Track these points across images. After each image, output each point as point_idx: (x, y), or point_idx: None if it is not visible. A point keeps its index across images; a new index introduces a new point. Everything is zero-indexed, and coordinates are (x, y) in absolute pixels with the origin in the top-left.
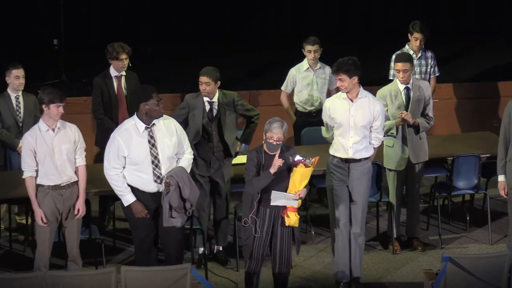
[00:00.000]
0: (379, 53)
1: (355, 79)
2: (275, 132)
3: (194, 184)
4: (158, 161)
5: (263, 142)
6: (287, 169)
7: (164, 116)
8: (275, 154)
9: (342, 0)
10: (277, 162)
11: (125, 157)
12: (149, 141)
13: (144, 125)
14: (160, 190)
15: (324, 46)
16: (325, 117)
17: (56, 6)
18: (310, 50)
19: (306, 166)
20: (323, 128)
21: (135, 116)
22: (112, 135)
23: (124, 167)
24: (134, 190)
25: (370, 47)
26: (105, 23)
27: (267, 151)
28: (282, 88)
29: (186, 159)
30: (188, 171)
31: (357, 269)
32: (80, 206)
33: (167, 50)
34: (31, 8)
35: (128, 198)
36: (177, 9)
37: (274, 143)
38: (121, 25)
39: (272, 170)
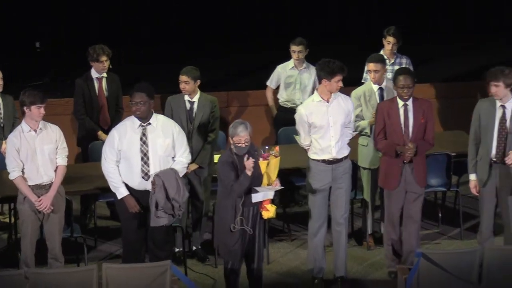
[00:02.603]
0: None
1: None
2: (242, 135)
3: (183, 186)
4: (147, 158)
5: (231, 146)
6: (257, 166)
7: (165, 118)
8: (248, 155)
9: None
10: (250, 163)
11: (119, 151)
12: (141, 138)
13: (139, 123)
14: (148, 189)
15: (324, 46)
16: (301, 125)
17: (38, 8)
18: (295, 50)
19: (275, 156)
20: (297, 137)
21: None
22: (111, 130)
23: (119, 162)
24: (126, 187)
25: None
26: (87, 25)
27: (236, 153)
28: (267, 83)
29: (180, 163)
30: (181, 174)
31: (341, 267)
32: (45, 199)
33: (163, 52)
34: (14, 10)
35: (122, 191)
36: (169, 11)
37: (243, 145)
38: (104, 27)
39: (249, 172)
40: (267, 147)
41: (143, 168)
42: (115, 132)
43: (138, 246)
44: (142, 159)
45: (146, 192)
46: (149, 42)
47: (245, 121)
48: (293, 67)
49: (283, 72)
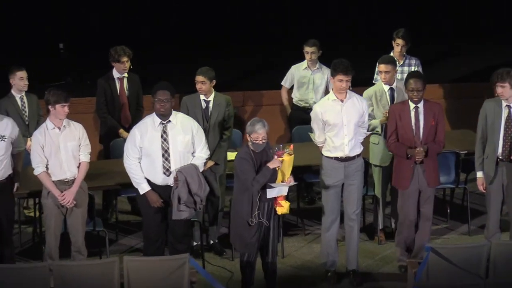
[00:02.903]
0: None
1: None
2: (260, 133)
3: (205, 181)
4: (168, 155)
5: (248, 143)
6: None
7: (184, 116)
8: (261, 152)
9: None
10: (277, 161)
11: (140, 148)
12: (161, 135)
13: (159, 121)
14: (169, 184)
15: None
16: (316, 123)
17: (62, 11)
18: (308, 51)
19: (290, 154)
20: (312, 135)
21: (154, 113)
22: (132, 128)
23: (140, 158)
24: (148, 182)
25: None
26: (108, 27)
27: (253, 150)
28: (282, 83)
29: (200, 158)
30: (201, 169)
31: (353, 261)
32: (68, 194)
33: (166, 52)
34: (39, 13)
35: (144, 187)
36: (174, 11)
37: (261, 142)
38: (123, 28)
39: (271, 165)
40: (281, 145)
41: (164, 164)
42: (136, 130)
43: (159, 239)
44: (163, 155)
45: (167, 187)
46: (152, 42)
47: (262, 119)
48: (306, 67)
49: (297, 72)
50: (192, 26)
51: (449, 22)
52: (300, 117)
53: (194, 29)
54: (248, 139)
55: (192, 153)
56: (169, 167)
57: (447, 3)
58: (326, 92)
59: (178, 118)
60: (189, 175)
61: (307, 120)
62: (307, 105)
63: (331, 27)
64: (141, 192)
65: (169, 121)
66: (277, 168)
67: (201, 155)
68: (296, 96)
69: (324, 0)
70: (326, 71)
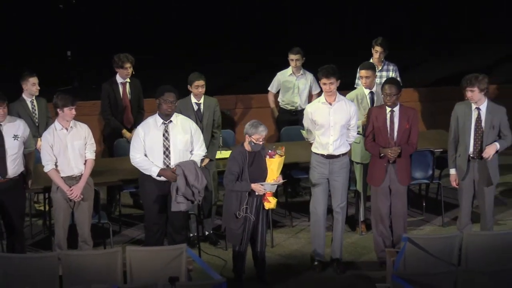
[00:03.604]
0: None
1: (338, 83)
2: (262, 134)
3: (202, 174)
4: (169, 152)
5: (246, 142)
6: (263, 162)
7: (184, 117)
8: (256, 152)
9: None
10: (260, 189)
11: (144, 146)
12: (163, 134)
13: (162, 121)
14: (170, 180)
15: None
16: (306, 121)
17: (69, 22)
18: (292, 59)
19: (280, 156)
20: (303, 132)
21: (157, 114)
22: (137, 128)
23: (145, 155)
24: (148, 177)
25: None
26: (111, 35)
27: (249, 149)
28: (269, 88)
29: (198, 155)
30: (199, 165)
31: (337, 250)
32: (76, 189)
33: (163, 58)
34: (48, 24)
35: (154, 170)
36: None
37: (260, 143)
38: (125, 36)
39: (254, 188)
40: (274, 146)
41: (164, 161)
42: (140, 128)
43: (159, 231)
44: (164, 153)
45: (167, 182)
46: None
47: (260, 121)
48: (291, 73)
49: (283, 78)
50: (184, 33)
51: (426, 30)
52: (287, 119)
53: (185, 36)
54: (247, 139)
55: (191, 151)
56: (169, 163)
57: (425, 14)
58: (310, 95)
59: (179, 119)
60: (187, 168)
61: (294, 121)
62: (293, 108)
63: (318, 34)
64: (155, 175)
65: (171, 121)
66: (268, 167)
67: (199, 152)
68: (282, 100)
69: (310, 9)
70: (309, 76)
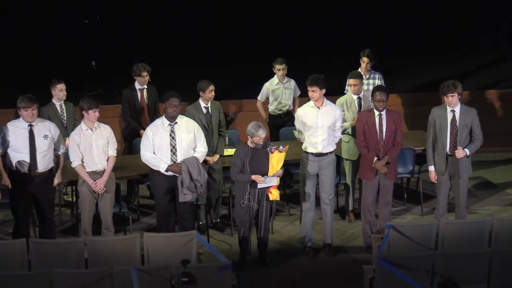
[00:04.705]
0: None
1: (323, 91)
2: (262, 136)
3: (203, 169)
4: (176, 150)
5: (249, 140)
6: (266, 157)
7: (187, 118)
8: (257, 149)
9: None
10: (260, 180)
11: (153, 145)
12: (170, 134)
13: (168, 122)
14: (175, 174)
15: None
16: (297, 123)
17: (93, 34)
18: (279, 69)
19: (280, 152)
20: (295, 132)
21: (163, 116)
22: (146, 129)
23: (154, 153)
24: (157, 172)
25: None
26: (130, 47)
27: (251, 146)
28: (258, 98)
29: (200, 152)
30: (201, 160)
31: (328, 237)
32: (99, 182)
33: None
34: (76, 37)
35: (163, 166)
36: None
37: (261, 143)
38: (141, 48)
39: (253, 177)
40: (276, 145)
41: (172, 158)
42: (149, 130)
43: (168, 218)
44: (171, 150)
45: (174, 176)
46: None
47: (261, 124)
48: (278, 82)
49: (270, 87)
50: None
51: (409, 40)
52: (276, 123)
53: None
54: (250, 139)
55: (194, 148)
56: (176, 159)
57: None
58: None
59: (183, 120)
60: (191, 165)
61: (283, 123)
62: (281, 112)
63: (310, 44)
64: (163, 171)
65: (176, 122)
66: (269, 162)
67: (201, 149)
68: (273, 106)
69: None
70: (292, 82)
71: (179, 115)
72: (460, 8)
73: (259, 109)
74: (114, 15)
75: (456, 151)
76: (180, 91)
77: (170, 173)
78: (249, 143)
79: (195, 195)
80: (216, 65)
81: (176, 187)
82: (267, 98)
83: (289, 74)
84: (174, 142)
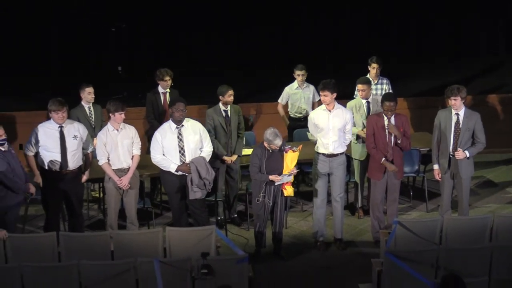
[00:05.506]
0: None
1: (334, 95)
2: (278, 144)
3: (211, 168)
4: (184, 151)
5: (265, 143)
6: (281, 157)
7: (193, 121)
8: (274, 150)
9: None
10: (276, 178)
11: (162, 147)
12: (178, 137)
13: (175, 125)
14: (185, 173)
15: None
16: (310, 125)
17: (119, 41)
18: (299, 74)
19: (294, 151)
20: (308, 134)
21: (170, 120)
22: (155, 133)
23: (163, 155)
24: (167, 172)
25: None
26: (154, 52)
27: (268, 148)
28: (279, 100)
29: (206, 152)
30: (208, 160)
31: (338, 232)
32: (124, 179)
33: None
34: (103, 43)
35: (173, 167)
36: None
37: (277, 149)
38: (164, 54)
39: (271, 178)
40: (290, 145)
41: (181, 158)
42: (157, 133)
43: (182, 213)
44: (180, 151)
45: (183, 176)
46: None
47: (277, 131)
48: (297, 87)
49: (290, 91)
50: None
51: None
52: (296, 125)
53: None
54: (266, 144)
55: (200, 149)
56: (185, 160)
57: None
58: (313, 103)
59: (189, 123)
60: (199, 164)
61: (302, 126)
62: (301, 115)
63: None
64: (173, 171)
65: (183, 125)
66: (284, 161)
67: (207, 149)
68: (292, 109)
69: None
70: (312, 87)
71: (185, 118)
72: (462, 13)
73: (279, 112)
74: (140, 23)
75: (456, 152)
76: (201, 95)
77: (180, 172)
78: (265, 144)
79: (205, 192)
80: (237, 69)
81: (186, 185)
82: (287, 101)
83: (310, 80)
84: (182, 143)
